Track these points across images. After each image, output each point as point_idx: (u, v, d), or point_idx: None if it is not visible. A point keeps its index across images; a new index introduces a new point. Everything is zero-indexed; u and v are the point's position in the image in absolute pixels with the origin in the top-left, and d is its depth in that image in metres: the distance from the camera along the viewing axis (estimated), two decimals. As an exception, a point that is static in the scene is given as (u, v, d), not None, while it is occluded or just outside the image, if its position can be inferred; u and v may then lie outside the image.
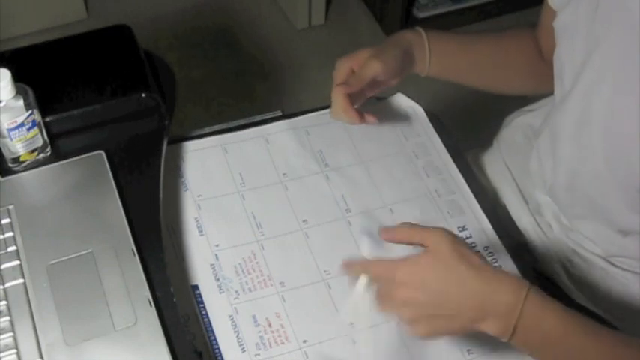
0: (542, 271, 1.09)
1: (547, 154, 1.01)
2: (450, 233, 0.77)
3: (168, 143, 1.03)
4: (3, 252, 0.89)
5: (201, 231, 1.00)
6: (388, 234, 0.80)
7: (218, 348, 0.90)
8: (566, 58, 0.94)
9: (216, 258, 0.98)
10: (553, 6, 0.96)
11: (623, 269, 0.99)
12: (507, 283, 0.75)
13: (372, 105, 1.18)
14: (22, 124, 0.93)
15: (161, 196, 0.96)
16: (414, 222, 0.80)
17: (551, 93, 1.11)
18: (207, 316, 0.93)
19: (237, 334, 0.92)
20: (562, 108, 0.95)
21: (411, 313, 0.77)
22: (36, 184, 0.97)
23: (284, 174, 1.07)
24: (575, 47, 0.91)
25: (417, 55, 1.04)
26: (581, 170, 0.93)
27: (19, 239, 0.90)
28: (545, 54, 1.06)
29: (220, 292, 0.95)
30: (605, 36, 0.85)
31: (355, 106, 1.00)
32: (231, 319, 0.93)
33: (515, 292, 0.74)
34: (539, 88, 1.11)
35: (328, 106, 1.14)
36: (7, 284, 0.86)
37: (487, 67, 1.10)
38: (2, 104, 0.90)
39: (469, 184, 1.09)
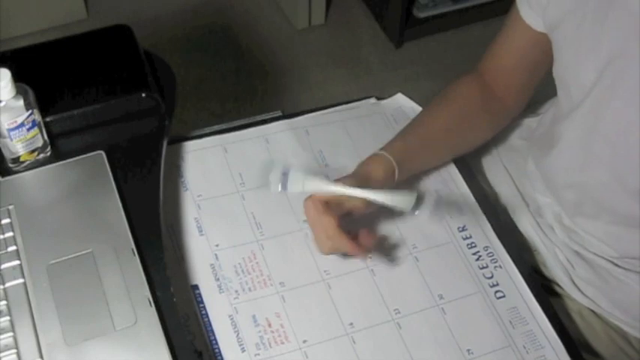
0: (544, 273, 1.09)
1: (550, 158, 1.01)
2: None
3: (168, 143, 1.03)
4: (3, 252, 0.89)
5: (201, 231, 1.00)
6: None
7: (218, 348, 0.90)
8: (572, 72, 0.93)
9: (216, 258, 0.98)
10: (546, 21, 0.96)
11: (627, 269, 0.99)
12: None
13: (372, 105, 1.18)
14: (22, 124, 0.93)
15: (161, 196, 0.96)
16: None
17: (544, 99, 1.12)
18: (207, 316, 0.93)
19: (237, 334, 0.92)
20: (570, 118, 0.95)
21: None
22: (36, 184, 0.97)
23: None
24: (583, 62, 0.90)
25: (385, 182, 0.98)
26: (588, 180, 0.95)
27: (19, 239, 0.90)
28: (496, 81, 1.06)
29: (220, 292, 0.95)
30: (617, 53, 0.86)
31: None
32: (231, 319, 0.93)
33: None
34: (496, 129, 1.12)
35: (328, 106, 1.15)
36: (7, 284, 0.86)
37: (449, 146, 1.09)
38: (2, 104, 0.90)
39: (469, 185, 1.09)
